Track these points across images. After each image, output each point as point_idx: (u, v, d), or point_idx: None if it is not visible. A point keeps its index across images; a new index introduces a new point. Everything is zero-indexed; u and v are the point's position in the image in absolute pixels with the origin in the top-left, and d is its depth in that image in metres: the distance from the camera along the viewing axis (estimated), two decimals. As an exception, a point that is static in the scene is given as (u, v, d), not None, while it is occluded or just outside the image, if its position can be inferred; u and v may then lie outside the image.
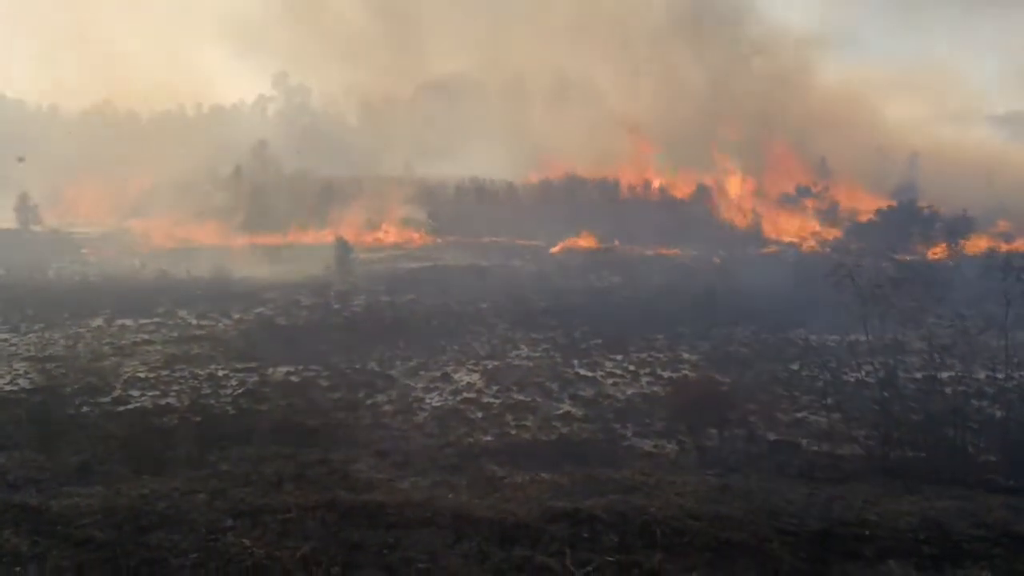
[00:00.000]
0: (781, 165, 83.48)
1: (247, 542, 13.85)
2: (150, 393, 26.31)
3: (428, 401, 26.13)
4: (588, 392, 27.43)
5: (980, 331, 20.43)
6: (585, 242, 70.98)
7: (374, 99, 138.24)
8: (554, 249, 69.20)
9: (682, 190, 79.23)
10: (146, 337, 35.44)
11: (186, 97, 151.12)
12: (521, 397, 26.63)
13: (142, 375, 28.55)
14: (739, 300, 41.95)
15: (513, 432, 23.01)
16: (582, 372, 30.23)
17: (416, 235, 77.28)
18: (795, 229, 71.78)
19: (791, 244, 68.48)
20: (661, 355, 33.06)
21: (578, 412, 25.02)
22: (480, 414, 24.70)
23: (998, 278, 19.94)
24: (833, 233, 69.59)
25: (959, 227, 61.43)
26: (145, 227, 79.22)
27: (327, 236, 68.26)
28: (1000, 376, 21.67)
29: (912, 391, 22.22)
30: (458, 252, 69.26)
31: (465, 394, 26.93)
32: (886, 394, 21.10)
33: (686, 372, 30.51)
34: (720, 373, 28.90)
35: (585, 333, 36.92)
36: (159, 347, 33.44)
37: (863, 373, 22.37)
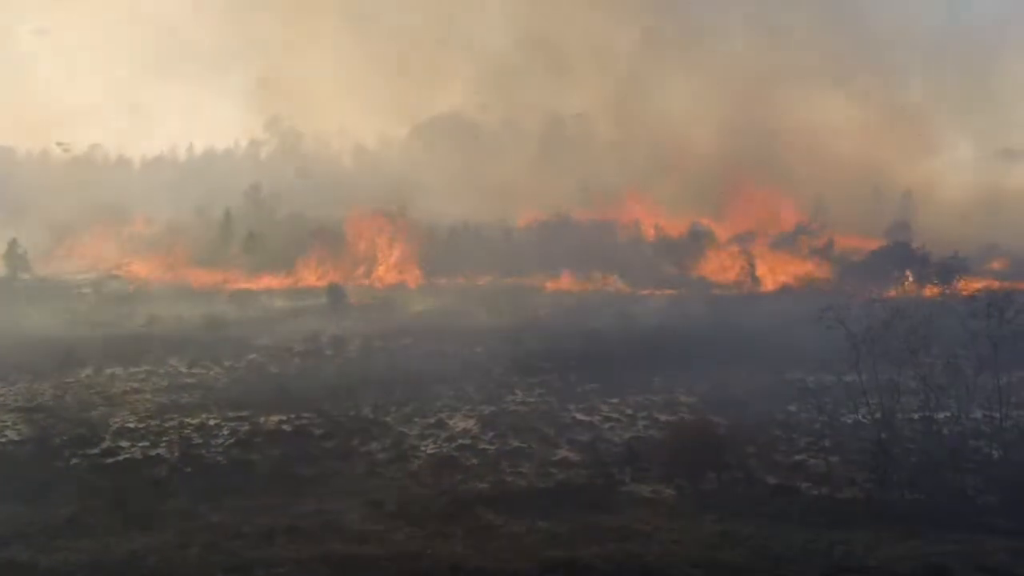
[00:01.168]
0: (775, 204, 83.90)
1: (239, 598, 13.63)
2: (140, 444, 26.00)
3: (423, 448, 25.87)
4: (585, 437, 27.17)
5: (976, 372, 20.27)
6: (579, 283, 70.96)
7: (368, 141, 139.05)
8: (548, 288, 69.21)
9: (676, 229, 79.37)
10: (136, 386, 35.12)
11: (178, 141, 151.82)
12: (517, 443, 26.37)
13: (132, 425, 28.23)
14: (734, 341, 41.86)
15: (509, 479, 22.77)
16: (579, 416, 29.99)
17: (410, 277, 77.14)
18: (790, 269, 71.91)
19: (786, 285, 68.55)
20: (658, 397, 32.85)
21: (575, 457, 24.78)
22: (476, 461, 24.45)
23: (984, 319, 19.88)
24: (827, 273, 69.72)
25: (952, 267, 61.52)
26: (136, 273, 79.00)
27: (321, 280, 68.14)
28: (997, 416, 21.50)
29: (910, 432, 22.10)
30: (453, 294, 69.06)
31: (460, 440, 26.68)
32: (884, 435, 20.95)
33: (683, 415, 30.24)
34: (718, 415, 28.62)
35: (581, 376, 36.68)
36: (149, 396, 33.14)
37: (860, 414, 22.25)
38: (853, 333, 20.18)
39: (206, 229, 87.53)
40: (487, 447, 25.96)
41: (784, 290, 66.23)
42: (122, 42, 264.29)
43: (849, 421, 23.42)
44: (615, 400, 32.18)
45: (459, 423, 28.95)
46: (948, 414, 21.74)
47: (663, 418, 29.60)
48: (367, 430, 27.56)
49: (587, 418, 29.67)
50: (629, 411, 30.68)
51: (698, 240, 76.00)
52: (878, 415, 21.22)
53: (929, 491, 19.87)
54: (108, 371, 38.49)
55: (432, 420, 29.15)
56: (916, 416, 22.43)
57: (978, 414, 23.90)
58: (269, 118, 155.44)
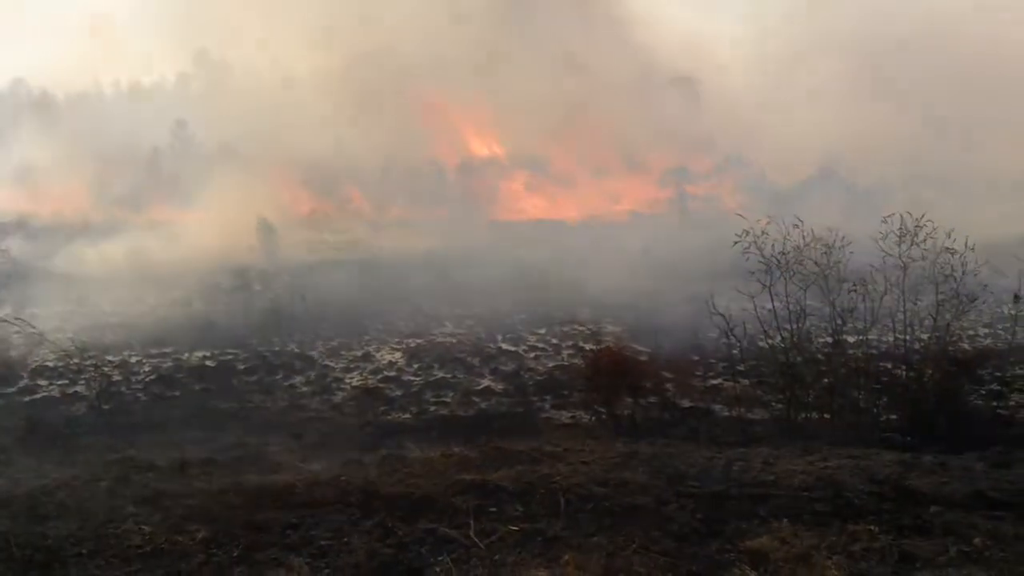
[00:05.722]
0: (707, 134, 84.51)
1: (147, 528, 13.66)
2: (59, 382, 25.70)
3: (347, 381, 26.02)
4: (509, 366, 27.57)
5: (882, 295, 20.86)
6: (516, 212, 71.15)
7: (300, 73, 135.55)
8: (485, 219, 69.28)
9: (612, 164, 79.73)
10: (57, 325, 34.48)
11: (103, 76, 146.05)
12: (442, 374, 26.68)
13: (51, 364, 27.84)
14: (664, 269, 42.48)
15: (432, 409, 23.08)
16: (505, 347, 30.37)
17: (343, 214, 76.44)
18: (719, 198, 72.94)
19: (720, 213, 69.39)
20: (584, 328, 33.33)
21: (498, 387, 25.17)
22: (400, 392, 24.68)
23: (895, 243, 20.36)
24: (756, 201, 70.67)
25: (876, 193, 62.94)
26: (60, 212, 76.89)
27: (251, 216, 66.98)
28: (907, 337, 22.16)
29: (821, 355, 22.72)
30: (386, 230, 68.73)
31: (386, 372, 26.90)
32: (797, 359, 21.59)
33: (608, 344, 30.70)
34: (641, 344, 29.21)
35: (510, 308, 37.02)
36: (71, 336, 32.46)
37: (778, 339, 22.81)
38: (767, 258, 20.56)
39: (133, 166, 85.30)
40: (412, 378, 26.21)
41: (717, 218, 67.04)
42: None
43: (765, 346, 23.94)
44: (542, 330, 32.60)
45: (385, 356, 29.12)
46: (860, 337, 22.42)
47: (588, 347, 30.08)
48: (291, 364, 27.60)
49: (513, 348, 30.06)
50: (555, 340, 31.15)
51: (632, 167, 76.47)
52: (792, 340, 21.80)
53: (835, 411, 20.59)
54: (29, 311, 37.56)
55: (358, 353, 29.28)
56: (830, 339, 23.07)
57: (889, 336, 24.71)
58: (197, 50, 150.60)
